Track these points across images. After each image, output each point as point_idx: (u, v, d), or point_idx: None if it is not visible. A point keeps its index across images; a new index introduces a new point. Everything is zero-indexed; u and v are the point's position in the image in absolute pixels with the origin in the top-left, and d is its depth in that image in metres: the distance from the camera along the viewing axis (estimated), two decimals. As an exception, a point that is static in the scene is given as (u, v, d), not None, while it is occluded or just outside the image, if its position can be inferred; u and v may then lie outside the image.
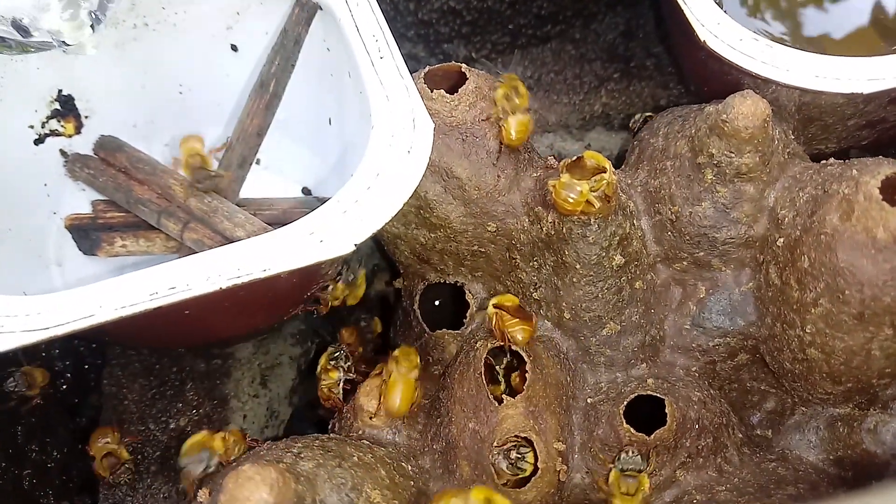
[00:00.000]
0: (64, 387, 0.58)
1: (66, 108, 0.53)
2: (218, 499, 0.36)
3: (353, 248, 0.39)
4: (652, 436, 0.44)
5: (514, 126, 0.45)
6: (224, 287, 0.38)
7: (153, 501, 0.52)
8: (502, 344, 0.46)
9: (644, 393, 0.45)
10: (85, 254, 0.53)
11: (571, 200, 0.41)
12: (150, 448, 0.54)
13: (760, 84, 0.47)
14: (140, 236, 0.53)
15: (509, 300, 0.46)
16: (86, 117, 0.54)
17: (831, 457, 0.47)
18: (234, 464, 0.40)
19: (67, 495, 0.54)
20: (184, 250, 0.50)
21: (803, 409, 0.48)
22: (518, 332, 0.44)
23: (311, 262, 0.39)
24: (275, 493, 0.36)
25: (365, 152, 0.42)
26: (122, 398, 0.56)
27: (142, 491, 0.53)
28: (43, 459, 0.55)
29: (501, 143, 0.46)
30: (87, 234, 0.53)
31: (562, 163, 0.43)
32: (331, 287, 0.50)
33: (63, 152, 0.53)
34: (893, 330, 0.40)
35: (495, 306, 0.45)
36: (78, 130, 0.53)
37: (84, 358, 0.59)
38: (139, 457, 0.54)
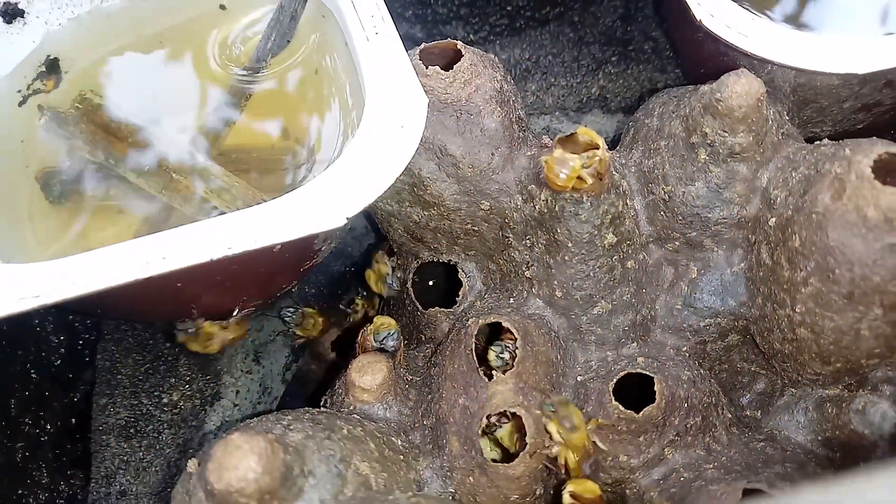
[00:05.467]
0: (58, 362, 0.58)
1: (51, 69, 0.53)
2: (207, 467, 0.36)
3: (345, 221, 0.39)
4: (640, 413, 0.44)
5: (572, 456, 0.41)
6: (215, 258, 0.38)
7: (145, 475, 0.53)
8: (496, 321, 0.46)
9: (634, 371, 0.45)
10: (53, 204, 0.52)
11: (563, 176, 0.41)
12: (143, 422, 0.54)
13: (756, 65, 0.46)
14: (112, 187, 0.52)
15: (590, 491, 0.43)
16: (65, 73, 0.54)
17: (819, 437, 0.47)
18: (224, 435, 0.41)
19: (60, 470, 0.55)
20: (160, 207, 0.50)
21: (793, 390, 0.48)
22: None
23: (302, 234, 0.39)
24: (263, 462, 0.36)
25: (359, 127, 0.42)
26: (116, 373, 0.56)
27: (134, 465, 0.53)
28: (36, 433, 0.55)
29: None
30: (57, 185, 0.52)
31: (556, 138, 0.43)
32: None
33: (40, 107, 0.53)
34: (883, 310, 0.40)
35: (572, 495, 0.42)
36: (57, 85, 0.54)
37: (78, 333, 0.60)
38: (132, 430, 0.54)
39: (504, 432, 0.43)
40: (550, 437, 0.41)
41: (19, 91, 0.52)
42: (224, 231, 0.39)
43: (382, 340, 0.48)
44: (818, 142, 0.44)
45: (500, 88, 0.47)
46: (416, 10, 0.64)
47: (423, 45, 0.48)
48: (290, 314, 0.56)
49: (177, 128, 0.53)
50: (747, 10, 0.45)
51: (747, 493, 0.41)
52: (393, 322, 0.49)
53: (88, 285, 0.38)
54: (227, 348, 0.57)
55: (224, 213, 0.50)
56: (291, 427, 0.41)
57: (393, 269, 0.52)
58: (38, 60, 0.52)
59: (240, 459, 0.36)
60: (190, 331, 0.50)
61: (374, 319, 0.49)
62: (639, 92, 0.65)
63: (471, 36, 0.67)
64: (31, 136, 0.52)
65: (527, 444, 0.43)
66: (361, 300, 0.57)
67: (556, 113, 0.65)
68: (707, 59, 0.51)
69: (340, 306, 0.60)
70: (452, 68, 0.47)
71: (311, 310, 0.56)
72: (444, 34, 0.66)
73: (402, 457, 0.45)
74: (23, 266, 0.39)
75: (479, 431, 0.42)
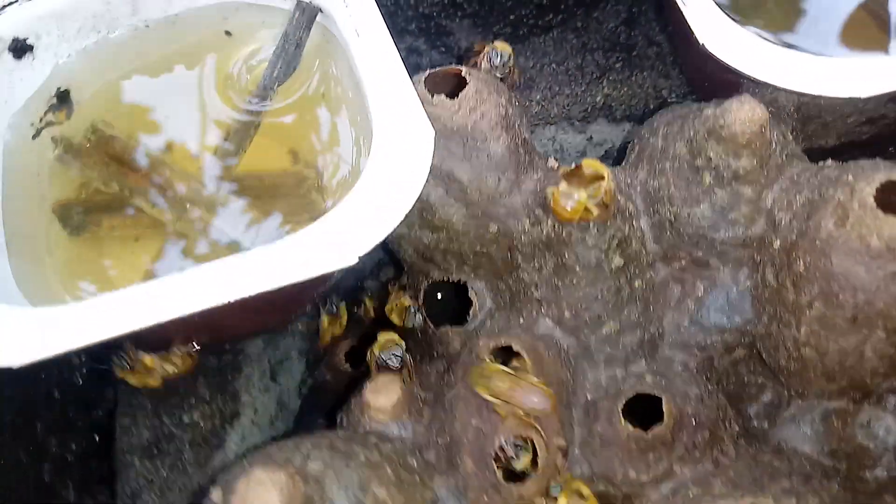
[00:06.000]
0: (80, 381, 0.60)
1: (62, 101, 0.54)
2: (230, 500, 0.38)
3: (357, 260, 0.40)
4: (649, 433, 0.45)
5: None
6: (232, 301, 0.40)
7: (169, 494, 0.54)
8: (507, 345, 0.47)
9: (642, 391, 0.47)
10: (70, 236, 0.53)
11: (570, 209, 0.42)
12: (164, 442, 0.56)
13: (760, 83, 0.47)
14: (127, 217, 0.54)
15: None
16: (77, 104, 0.55)
17: (825, 449, 0.48)
18: (246, 465, 0.42)
19: (87, 488, 0.56)
20: (174, 236, 0.51)
21: (799, 402, 0.49)
22: None
23: (315, 274, 0.40)
24: (285, 496, 0.37)
25: (366, 163, 0.42)
26: (137, 392, 0.58)
27: (157, 484, 0.55)
28: (62, 453, 0.57)
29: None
30: (74, 217, 0.53)
31: (560, 171, 0.44)
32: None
33: (53, 139, 0.54)
34: (886, 333, 0.41)
35: None
36: (68, 117, 0.54)
37: (98, 352, 0.61)
38: (155, 450, 0.56)
39: (520, 463, 0.44)
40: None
41: (32, 124, 0.53)
42: (242, 271, 0.40)
43: (387, 360, 0.49)
44: (822, 163, 0.45)
45: (506, 113, 0.48)
46: (419, 24, 0.64)
47: (427, 72, 0.48)
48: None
49: (188, 156, 0.53)
50: (752, 32, 0.45)
51: None
52: (396, 338, 0.50)
53: (112, 330, 0.39)
54: (244, 367, 0.59)
55: (233, 240, 0.51)
56: (311, 456, 0.42)
57: (413, 301, 0.53)
58: (49, 93, 0.53)
59: (262, 495, 0.37)
60: (126, 365, 0.48)
61: (379, 336, 0.50)
62: (644, 100, 0.65)
63: (474, 45, 0.67)
64: (46, 169, 0.53)
65: (538, 464, 0.44)
66: (327, 317, 0.56)
67: (562, 123, 0.66)
68: (709, 75, 0.51)
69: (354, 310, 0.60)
70: (458, 95, 0.47)
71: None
72: (448, 45, 0.66)
73: (417, 477, 0.46)
74: (50, 310, 0.40)
75: (495, 463, 0.43)
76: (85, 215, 0.54)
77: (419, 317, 0.54)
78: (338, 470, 0.42)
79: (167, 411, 0.57)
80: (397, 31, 0.48)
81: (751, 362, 0.50)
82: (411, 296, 0.55)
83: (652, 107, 0.65)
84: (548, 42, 0.68)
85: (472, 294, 0.53)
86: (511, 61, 0.50)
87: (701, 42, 0.45)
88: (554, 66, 0.68)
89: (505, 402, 0.42)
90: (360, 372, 0.56)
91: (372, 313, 0.60)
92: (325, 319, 0.55)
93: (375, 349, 0.49)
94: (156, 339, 0.48)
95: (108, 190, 0.54)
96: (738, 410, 0.51)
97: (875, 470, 0.47)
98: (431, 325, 0.54)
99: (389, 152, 0.43)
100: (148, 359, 0.47)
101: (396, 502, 0.42)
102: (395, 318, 0.55)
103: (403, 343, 0.49)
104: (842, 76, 0.43)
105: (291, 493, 0.37)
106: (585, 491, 0.43)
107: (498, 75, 0.50)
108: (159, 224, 0.53)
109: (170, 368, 0.49)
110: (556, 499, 0.43)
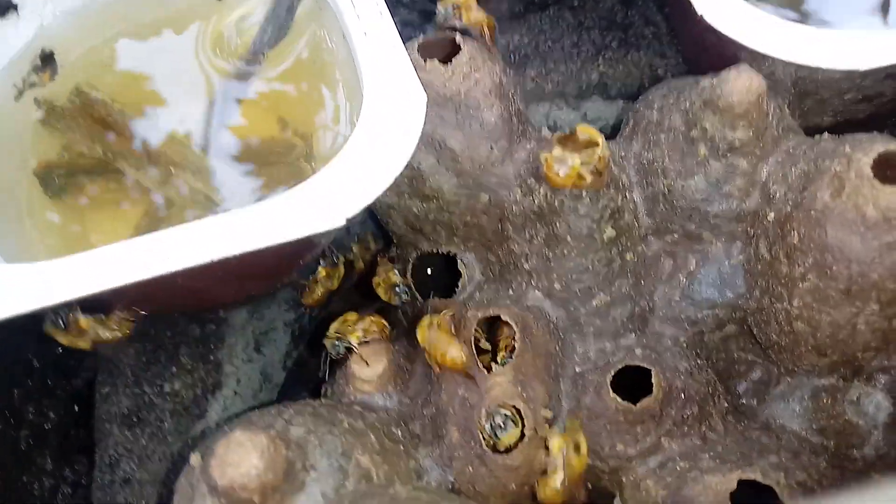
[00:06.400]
0: (59, 350, 0.58)
1: (46, 63, 0.53)
2: (210, 463, 0.37)
3: (345, 221, 0.39)
4: (638, 405, 0.44)
5: (558, 483, 0.41)
6: (214, 259, 0.39)
7: (149, 464, 0.53)
8: (496, 315, 0.46)
9: (632, 364, 0.46)
10: (52, 199, 0.52)
11: (563, 174, 0.41)
12: (145, 411, 0.55)
13: (757, 57, 0.46)
14: (111, 181, 0.52)
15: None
16: (61, 66, 0.53)
17: (814, 426, 0.48)
18: (227, 430, 0.41)
19: (65, 457, 0.55)
20: (157, 201, 0.50)
21: (789, 379, 0.49)
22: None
23: (301, 235, 0.39)
24: (265, 459, 0.37)
25: (357, 126, 0.42)
26: (118, 361, 0.57)
27: (137, 453, 0.54)
28: (40, 422, 0.56)
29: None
30: (56, 179, 0.52)
31: (555, 136, 0.43)
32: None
33: (36, 101, 0.53)
34: (879, 305, 0.40)
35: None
36: (52, 78, 0.53)
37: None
38: (135, 419, 0.55)
39: (507, 434, 0.43)
40: (548, 452, 0.42)
41: (15, 85, 0.51)
42: (224, 231, 0.39)
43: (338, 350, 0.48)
44: (818, 136, 0.44)
45: (500, 82, 0.47)
46: (413, -4, 0.63)
47: (421, 38, 0.47)
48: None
49: (174, 121, 0.52)
50: (751, 4, 0.45)
51: (742, 482, 0.42)
52: (352, 317, 0.49)
53: (90, 286, 0.38)
54: (228, 337, 0.58)
55: (222, 209, 0.50)
56: (293, 421, 0.42)
57: (401, 276, 0.52)
58: (34, 54, 0.52)
59: (242, 457, 0.36)
60: (61, 324, 0.45)
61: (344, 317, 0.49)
62: (639, 78, 0.64)
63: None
64: (29, 131, 0.52)
65: (525, 435, 0.44)
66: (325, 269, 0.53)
67: (556, 100, 0.65)
68: (707, 49, 0.50)
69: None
70: (451, 62, 0.46)
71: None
72: (443, 19, 0.65)
73: (402, 447, 0.45)
74: (25, 266, 0.39)
75: (481, 433, 0.42)
76: (67, 179, 0.53)
77: (405, 295, 0.53)
78: (321, 436, 0.41)
79: (148, 380, 0.56)
80: (391, 4, 0.47)
81: (741, 339, 0.49)
82: (400, 270, 0.55)
83: (647, 85, 0.64)
84: (544, 19, 0.67)
85: (461, 266, 0.53)
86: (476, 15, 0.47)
87: (700, 13, 0.45)
88: (550, 43, 0.67)
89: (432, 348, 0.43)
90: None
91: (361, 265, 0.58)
92: (321, 271, 0.53)
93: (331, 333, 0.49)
94: (126, 300, 0.46)
95: (91, 154, 0.53)
96: (727, 387, 0.50)
97: (863, 448, 0.47)
98: (419, 298, 0.53)
99: (380, 115, 0.42)
100: (83, 320, 0.44)
101: (380, 470, 0.42)
102: (381, 293, 0.54)
103: (356, 318, 0.48)
104: (841, 48, 0.43)
105: (272, 457, 0.37)
106: (584, 447, 0.42)
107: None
108: (143, 189, 0.52)
109: (104, 334, 0.46)
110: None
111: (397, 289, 0.53)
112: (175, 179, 0.51)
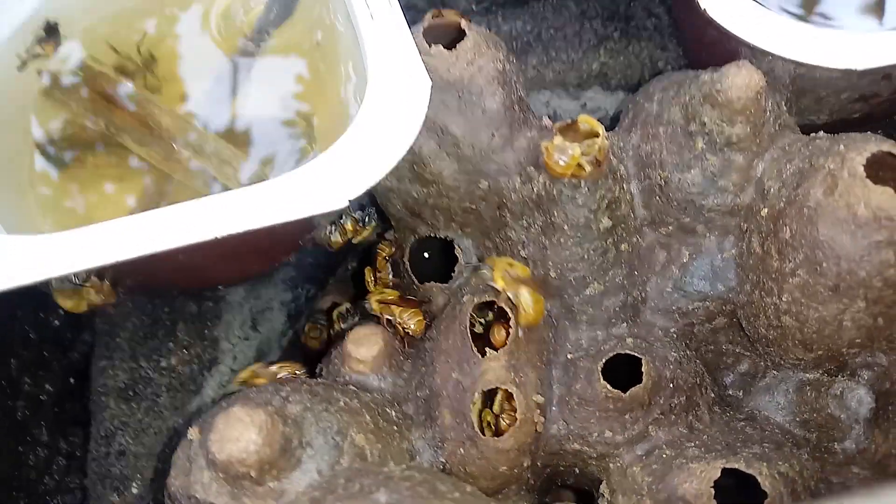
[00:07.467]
0: (56, 323, 0.59)
1: (50, 34, 0.53)
2: (209, 438, 0.38)
3: (346, 203, 0.40)
4: (627, 393, 0.45)
5: (530, 300, 0.44)
6: (216, 237, 0.39)
7: (144, 437, 0.54)
8: (491, 300, 0.47)
9: (623, 352, 0.47)
10: (52, 171, 0.52)
11: (563, 164, 0.42)
12: (142, 385, 0.56)
13: (757, 53, 0.47)
14: (113, 155, 0.53)
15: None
16: (64, 37, 0.53)
17: (798, 419, 0.49)
18: (224, 405, 0.42)
19: (60, 429, 0.56)
20: (159, 177, 0.50)
21: (775, 372, 0.50)
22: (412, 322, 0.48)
23: (303, 215, 0.39)
24: (263, 434, 0.37)
25: (360, 109, 0.42)
26: (115, 335, 0.57)
27: (133, 426, 0.54)
28: (36, 392, 0.56)
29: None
30: (57, 152, 0.52)
31: (555, 125, 0.44)
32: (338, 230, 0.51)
33: (40, 73, 0.53)
34: (866, 303, 0.41)
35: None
36: (56, 50, 0.53)
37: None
38: (131, 393, 0.55)
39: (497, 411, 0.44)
40: (498, 293, 0.45)
41: (18, 56, 0.51)
42: (227, 209, 0.40)
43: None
44: (814, 134, 0.45)
45: (503, 69, 0.48)
46: (418, -20, 0.63)
47: (427, 23, 0.47)
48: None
49: (177, 97, 0.53)
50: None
51: (725, 471, 0.43)
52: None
53: (91, 260, 0.39)
54: (225, 314, 0.58)
55: (224, 186, 0.51)
56: (290, 399, 0.42)
57: (351, 306, 0.53)
58: (37, 25, 0.52)
59: (241, 432, 0.37)
60: (72, 284, 0.47)
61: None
62: (640, 70, 0.65)
63: (473, 6, 0.67)
64: (31, 103, 0.52)
65: (517, 419, 0.45)
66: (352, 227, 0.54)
67: (557, 89, 0.65)
68: (709, 43, 0.51)
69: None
70: (455, 47, 0.47)
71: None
72: (447, 4, 0.65)
73: (395, 427, 0.46)
74: (27, 238, 0.40)
75: (473, 407, 0.43)
76: (69, 151, 0.53)
77: (351, 319, 0.55)
78: (317, 414, 0.42)
79: (145, 355, 0.56)
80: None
81: (730, 332, 0.50)
82: (398, 257, 0.55)
83: (648, 77, 0.65)
84: (547, 7, 0.67)
85: (458, 251, 0.53)
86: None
87: (703, 6, 0.45)
88: (552, 31, 0.67)
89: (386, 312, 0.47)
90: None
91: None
92: (349, 224, 0.53)
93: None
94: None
95: (93, 127, 0.53)
96: (715, 379, 0.52)
97: (844, 442, 0.48)
98: (416, 281, 0.53)
99: (384, 98, 0.43)
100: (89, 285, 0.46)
101: (374, 449, 0.43)
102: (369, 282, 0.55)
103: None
104: (840, 48, 0.43)
105: (270, 432, 0.37)
106: (519, 270, 0.44)
107: None
108: (144, 164, 0.52)
109: (95, 300, 0.48)
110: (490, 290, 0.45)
111: (345, 316, 0.55)
112: (176, 155, 0.51)
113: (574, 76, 0.66)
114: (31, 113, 0.53)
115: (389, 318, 0.49)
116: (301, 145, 0.57)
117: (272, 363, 0.50)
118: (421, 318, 0.49)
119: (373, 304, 0.50)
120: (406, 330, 0.48)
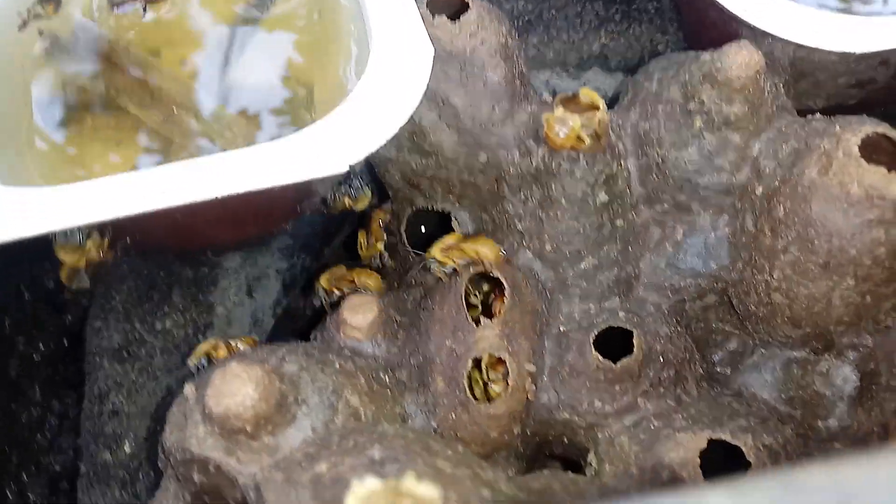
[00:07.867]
0: (51, 284, 0.59)
1: None
2: (206, 393, 0.38)
3: (347, 168, 0.40)
4: (618, 364, 0.46)
5: (481, 248, 0.46)
6: (216, 196, 0.39)
7: (138, 397, 0.54)
8: (485, 271, 0.47)
9: (615, 325, 0.48)
10: (52, 132, 0.52)
11: (563, 135, 0.42)
12: (136, 346, 0.56)
13: (757, 35, 0.47)
14: (112, 117, 0.53)
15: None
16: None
17: (783, 396, 0.50)
18: (222, 362, 0.42)
19: (53, 388, 0.56)
20: (158, 141, 0.50)
21: (763, 350, 0.51)
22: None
23: (303, 178, 0.40)
24: (260, 390, 0.38)
25: (363, 74, 0.42)
26: (110, 298, 0.57)
27: (126, 387, 0.55)
28: (30, 352, 0.56)
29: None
30: (57, 112, 0.52)
31: (557, 97, 0.44)
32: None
33: (40, 32, 0.53)
34: (855, 280, 0.42)
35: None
36: (56, 10, 0.53)
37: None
38: (125, 354, 0.56)
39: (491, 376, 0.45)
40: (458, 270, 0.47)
41: (19, 14, 0.51)
42: (227, 168, 0.40)
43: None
44: (810, 116, 0.46)
45: (505, 43, 0.48)
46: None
47: (430, -7, 0.48)
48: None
49: (178, 61, 0.52)
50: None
51: (712, 442, 0.44)
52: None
53: (89, 215, 0.39)
54: (221, 280, 0.58)
55: (224, 150, 0.51)
56: (286, 359, 0.43)
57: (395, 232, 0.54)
58: (40, -19, 0.52)
59: (238, 387, 0.38)
60: (76, 238, 0.47)
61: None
62: (640, 52, 0.65)
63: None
64: (31, 62, 0.52)
65: (509, 385, 0.45)
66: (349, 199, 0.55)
67: (557, 68, 0.66)
68: (709, 25, 0.51)
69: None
70: (459, 18, 0.47)
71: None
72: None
73: (389, 391, 0.47)
74: (25, 190, 0.40)
75: (465, 374, 0.44)
76: (68, 113, 0.53)
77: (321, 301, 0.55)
78: (313, 374, 0.42)
79: (140, 317, 0.56)
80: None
81: (720, 309, 0.51)
82: (395, 227, 0.55)
83: (647, 60, 0.65)
84: (549, -13, 0.68)
85: (455, 224, 0.54)
86: None
87: (704, -15, 0.46)
88: (553, 11, 0.67)
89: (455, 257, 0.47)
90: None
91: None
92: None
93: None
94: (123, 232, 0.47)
95: (93, 89, 0.53)
96: (704, 355, 0.52)
97: (828, 420, 0.49)
98: (412, 252, 0.54)
99: (387, 65, 0.43)
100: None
101: (368, 411, 0.43)
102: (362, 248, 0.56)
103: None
104: (839, 31, 0.44)
105: (267, 388, 0.38)
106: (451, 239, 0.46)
107: None
108: (144, 127, 0.52)
109: (80, 262, 0.49)
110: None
111: (319, 292, 0.54)
112: (176, 119, 0.51)
113: (574, 56, 0.66)
114: (31, 72, 0.53)
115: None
116: (300, 113, 0.57)
117: (231, 338, 0.51)
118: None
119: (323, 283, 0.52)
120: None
